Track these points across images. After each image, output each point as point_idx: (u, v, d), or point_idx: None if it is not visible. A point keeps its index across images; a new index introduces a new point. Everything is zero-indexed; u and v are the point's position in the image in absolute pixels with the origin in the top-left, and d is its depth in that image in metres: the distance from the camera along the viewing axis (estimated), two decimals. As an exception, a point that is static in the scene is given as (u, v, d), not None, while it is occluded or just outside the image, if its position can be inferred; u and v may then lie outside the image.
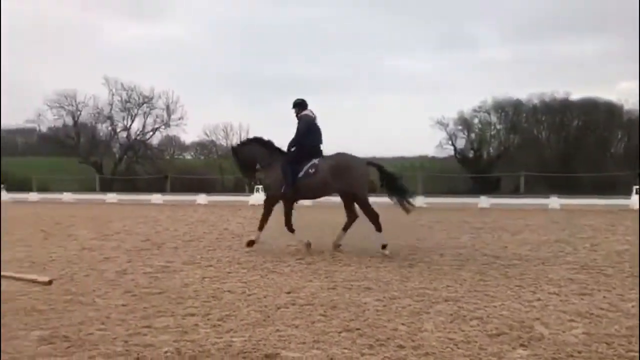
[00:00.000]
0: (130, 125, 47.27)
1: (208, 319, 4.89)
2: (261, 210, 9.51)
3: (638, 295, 5.77)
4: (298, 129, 9.11)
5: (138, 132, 47.26)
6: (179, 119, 46.78)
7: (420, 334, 4.45)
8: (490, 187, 34.06)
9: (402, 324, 4.70)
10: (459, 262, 7.94)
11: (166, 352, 4.02)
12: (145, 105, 46.56)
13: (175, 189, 28.53)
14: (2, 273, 6.92)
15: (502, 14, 68.46)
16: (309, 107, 9.28)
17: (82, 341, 4.30)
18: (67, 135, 46.88)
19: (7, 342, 4.30)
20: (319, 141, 9.25)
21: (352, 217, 9.16)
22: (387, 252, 8.44)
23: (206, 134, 52.62)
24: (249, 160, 9.60)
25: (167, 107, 46.51)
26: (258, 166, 9.60)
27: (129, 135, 47.51)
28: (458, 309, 5.21)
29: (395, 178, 9.23)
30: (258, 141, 9.56)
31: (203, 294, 5.91)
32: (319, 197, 9.87)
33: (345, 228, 9.14)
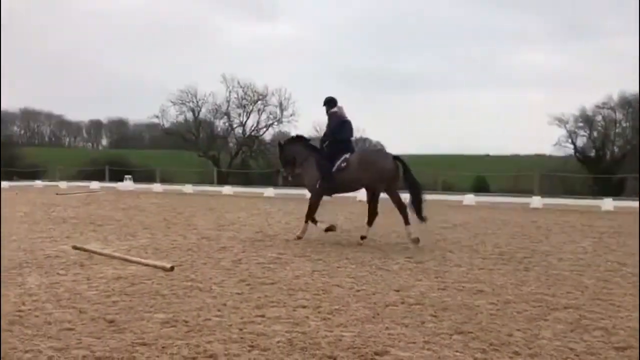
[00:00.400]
0: (246, 121, 49.24)
1: (318, 312, 4.96)
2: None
3: (638, 296, 5.69)
4: (329, 125, 9.69)
5: (252, 128, 49.10)
6: (291, 115, 48.04)
7: (537, 341, 4.23)
8: (612, 189, 31.76)
9: (518, 330, 4.50)
10: (579, 267, 7.47)
11: (278, 342, 4.13)
12: (259, 102, 48.25)
13: (286, 183, 29.31)
14: (130, 258, 7.50)
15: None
16: (340, 106, 9.78)
17: (200, 326, 4.53)
18: (188, 130, 49.62)
19: (134, 322, 4.63)
20: (350, 135, 9.77)
21: (377, 214, 9.56)
22: (414, 240, 8.95)
23: (316, 130, 53.52)
24: (290, 157, 10.13)
25: (280, 104, 47.90)
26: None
27: (244, 131, 49.49)
28: (579, 318, 4.89)
29: (413, 177, 9.55)
30: (299, 140, 10.37)
31: (313, 287, 6.01)
32: (352, 190, 10.30)
33: (371, 221, 9.52)
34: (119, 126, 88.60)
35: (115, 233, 10.35)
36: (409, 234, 9.10)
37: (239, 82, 47.88)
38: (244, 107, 48.70)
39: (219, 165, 44.03)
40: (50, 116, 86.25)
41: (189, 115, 49.59)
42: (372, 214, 9.48)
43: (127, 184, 26.49)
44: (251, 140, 49.05)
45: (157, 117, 50.74)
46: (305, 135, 11.81)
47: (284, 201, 19.00)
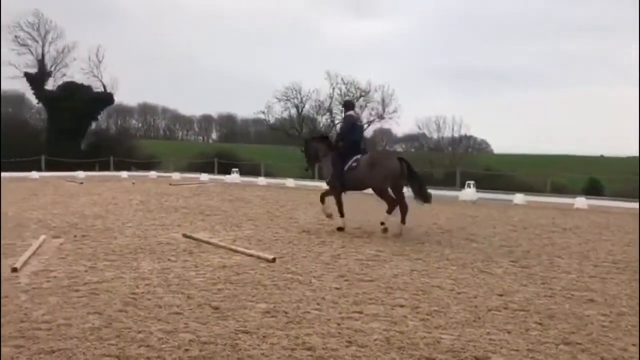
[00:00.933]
0: (347, 117, 49.39)
1: (417, 312, 4.90)
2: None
3: (638, 294, 5.58)
4: (341, 126, 10.48)
5: (354, 124, 49.20)
6: (393, 111, 47.60)
7: (656, 359, 3.91)
8: None
9: (633, 345, 4.18)
10: None
11: (376, 339, 4.13)
12: (362, 98, 48.23)
13: (387, 180, 29.16)
14: (235, 248, 7.79)
15: None
16: (355, 109, 10.52)
17: (299, 318, 4.62)
18: (292, 126, 50.62)
19: (237, 310, 4.81)
20: (360, 137, 10.65)
21: (397, 203, 9.99)
22: (384, 228, 9.77)
23: (418, 127, 52.89)
24: (313, 152, 11.05)
25: (383, 100, 47.63)
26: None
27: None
28: None
29: (416, 174, 10.29)
30: (323, 139, 11.32)
31: (412, 286, 5.93)
32: (362, 188, 10.69)
33: (390, 211, 10.03)
34: (227, 121, 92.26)
35: (221, 223, 10.80)
36: (386, 220, 9.90)
37: (342, 79, 48.19)
38: (346, 103, 49.06)
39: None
40: (166, 111, 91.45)
41: (293, 111, 50.63)
42: (401, 207, 9.97)
43: (234, 177, 27.49)
44: (352, 137, 49.29)
45: (263, 112, 52.20)
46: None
47: (384, 198, 18.95)
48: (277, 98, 50.05)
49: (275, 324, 4.46)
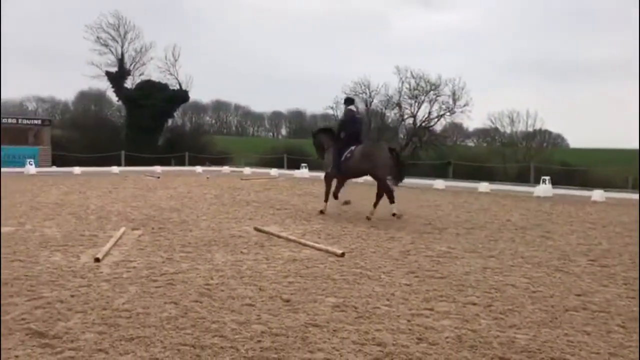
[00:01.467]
0: (417, 112, 48.77)
1: (490, 311, 4.78)
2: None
3: (638, 290, 5.50)
4: (342, 119, 11.76)
5: (424, 119, 48.53)
6: (464, 105, 46.54)
7: None
8: None
9: None
10: None
11: (447, 337, 4.07)
12: (432, 92, 47.47)
13: (457, 176, 28.59)
14: (304, 242, 7.87)
15: None
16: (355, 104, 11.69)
17: (369, 313, 4.62)
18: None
19: (307, 304, 4.87)
20: (358, 129, 11.51)
21: (380, 194, 10.99)
22: (396, 216, 10.62)
23: (491, 121, 51.48)
24: (320, 143, 12.17)
25: (453, 94, 46.66)
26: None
27: (415, 122, 49.10)
28: None
29: (403, 163, 11.53)
30: (327, 131, 12.37)
31: (484, 284, 5.79)
32: (357, 177, 12.09)
33: (376, 202, 11.02)
34: (296, 117, 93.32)
35: (291, 217, 10.95)
36: (393, 212, 10.79)
37: (411, 73, 47.58)
38: (416, 97, 48.28)
39: (389, 155, 44.28)
40: (238, 108, 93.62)
41: (362, 106, 50.57)
42: (379, 195, 11.04)
43: (303, 172, 27.79)
44: (422, 131, 48.54)
45: (331, 108, 52.41)
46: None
47: (455, 194, 18.54)
48: (345, 93, 50.04)
49: (344, 318, 4.48)
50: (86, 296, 4.98)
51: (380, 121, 50.46)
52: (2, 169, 25.07)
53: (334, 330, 4.16)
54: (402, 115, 49.95)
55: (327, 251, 7.28)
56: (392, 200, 10.80)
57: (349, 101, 12.03)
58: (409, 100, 48.91)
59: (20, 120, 31.80)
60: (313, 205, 13.29)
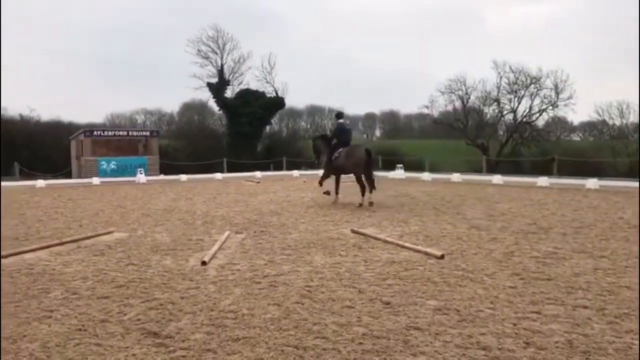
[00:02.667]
0: (517, 107, 46.94)
1: (603, 314, 4.51)
2: None
3: (638, 283, 5.35)
4: (334, 129, 14.80)
5: (524, 114, 46.59)
6: (568, 98, 44.22)
7: None
8: None
9: None
10: None
11: (556, 342, 3.88)
12: (532, 86, 45.50)
13: (562, 172, 27.16)
14: (403, 244, 7.80)
15: None
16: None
17: (472, 317, 4.50)
18: (457, 119, 49.37)
19: (408, 306, 4.83)
20: (347, 138, 14.17)
21: (364, 186, 13.67)
22: (373, 204, 13.26)
23: (598, 113, 48.51)
24: (318, 148, 15.01)
25: (556, 87, 44.47)
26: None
27: (515, 117, 47.27)
28: None
29: (372, 163, 13.88)
30: (324, 137, 15.29)
31: (596, 286, 5.47)
32: (345, 174, 14.30)
33: (363, 194, 13.66)
34: (390, 118, 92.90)
35: (388, 219, 10.89)
36: (369, 197, 13.49)
37: (510, 67, 45.88)
38: (515, 92, 46.48)
39: (487, 153, 42.90)
40: (332, 111, 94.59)
41: (458, 103, 49.41)
42: (363, 188, 13.66)
43: (398, 173, 27.56)
44: (523, 127, 46.63)
45: (426, 107, 51.69)
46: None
47: (560, 191, 17.60)
48: (440, 91, 49.24)
49: (447, 321, 4.40)
50: (195, 298, 5.24)
51: (477, 118, 49.05)
52: (117, 178, 26.93)
53: (436, 334, 4.10)
54: (501, 111, 48.29)
55: (426, 253, 7.18)
56: (370, 189, 13.63)
57: (339, 115, 14.82)
58: (508, 95, 47.22)
59: (130, 133, 33.98)
60: (410, 207, 13.16)
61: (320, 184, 14.55)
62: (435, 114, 51.94)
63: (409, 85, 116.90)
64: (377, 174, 29.65)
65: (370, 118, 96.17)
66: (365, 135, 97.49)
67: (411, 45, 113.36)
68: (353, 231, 9.18)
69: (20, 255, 7.55)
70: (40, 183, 23.90)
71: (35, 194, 19.05)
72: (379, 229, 9.63)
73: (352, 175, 13.97)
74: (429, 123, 61.82)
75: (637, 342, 3.88)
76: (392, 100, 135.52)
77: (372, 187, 13.60)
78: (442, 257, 6.89)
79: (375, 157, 15.91)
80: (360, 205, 13.30)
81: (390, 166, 30.95)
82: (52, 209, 13.81)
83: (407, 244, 7.78)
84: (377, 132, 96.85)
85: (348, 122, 15.50)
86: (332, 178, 14.58)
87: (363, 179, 13.63)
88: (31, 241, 8.74)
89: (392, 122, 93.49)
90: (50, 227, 10.37)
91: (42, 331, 4.33)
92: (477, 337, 4.01)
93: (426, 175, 25.62)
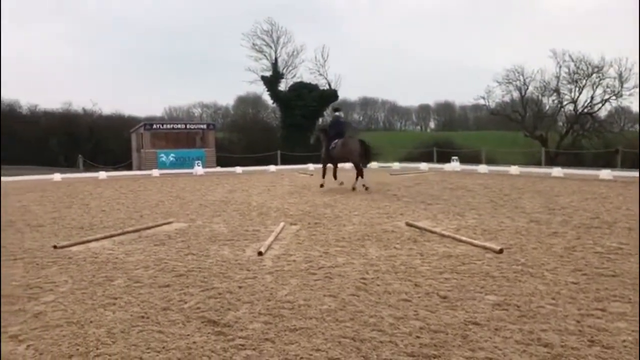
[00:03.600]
0: (578, 97, 45.26)
1: (674, 314, 4.31)
2: None
3: (638, 280, 5.20)
4: (330, 122, 16.58)
5: (586, 104, 44.88)
6: (633, 87, 42.25)
7: None
8: None
9: None
10: None
11: (624, 341, 3.74)
12: (594, 75, 43.74)
13: (626, 165, 26.04)
14: (459, 237, 7.69)
15: None
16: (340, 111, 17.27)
17: (533, 313, 4.39)
18: (514, 110, 48.12)
19: (465, 301, 4.75)
20: (341, 130, 15.83)
21: (357, 173, 15.68)
22: (367, 189, 15.04)
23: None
24: (320, 139, 16.78)
25: (620, 76, 42.57)
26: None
27: (575, 108, 45.61)
28: None
29: (369, 150, 15.55)
30: (323, 129, 16.77)
31: (666, 284, 5.23)
32: (340, 161, 16.28)
33: (354, 184, 15.50)
34: (445, 109, 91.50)
35: (444, 212, 10.74)
36: (363, 184, 15.33)
37: (570, 56, 44.23)
38: (576, 82, 44.78)
39: (546, 145, 41.59)
40: (385, 103, 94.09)
41: (515, 94, 48.07)
42: (358, 175, 15.64)
43: (454, 165, 27.11)
44: (584, 118, 44.93)
45: (482, 98, 50.53)
46: None
47: (624, 185, 16.88)
48: (497, 82, 48.00)
49: (506, 317, 4.31)
50: (252, 288, 5.33)
51: (536, 109, 47.61)
52: (176, 170, 27.62)
53: (495, 329, 4.02)
54: (560, 102, 46.68)
55: (484, 247, 7.04)
56: (361, 176, 15.55)
57: (336, 109, 17.03)
58: (568, 85, 45.55)
59: (188, 126, 34.77)
60: (466, 199, 12.93)
61: (323, 175, 16.33)
62: (492, 105, 50.72)
63: (464, 75, 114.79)
64: (427, 165, 29.42)
65: (424, 109, 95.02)
66: (418, 127, 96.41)
67: (466, 35, 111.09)
68: (408, 224, 9.11)
69: (85, 244, 7.87)
70: (103, 175, 24.81)
71: (98, 185, 19.79)
72: (435, 222, 9.51)
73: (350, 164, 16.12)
74: (485, 114, 60.48)
75: None
76: (447, 91, 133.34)
77: (360, 174, 15.54)
78: (500, 251, 6.75)
79: (376, 149, 19.19)
80: (354, 189, 15.25)
81: (445, 158, 30.49)
82: (114, 199, 14.32)
83: (464, 238, 7.66)
84: (432, 124, 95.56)
85: (343, 115, 17.43)
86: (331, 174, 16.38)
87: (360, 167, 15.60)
88: (95, 230, 9.09)
89: (447, 114, 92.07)
90: (113, 217, 10.75)
91: (107, 317, 4.50)
92: (538, 334, 3.91)
93: (482, 168, 25.09)
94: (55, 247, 7.58)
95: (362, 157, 15.32)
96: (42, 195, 15.69)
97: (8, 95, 53.63)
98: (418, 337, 3.90)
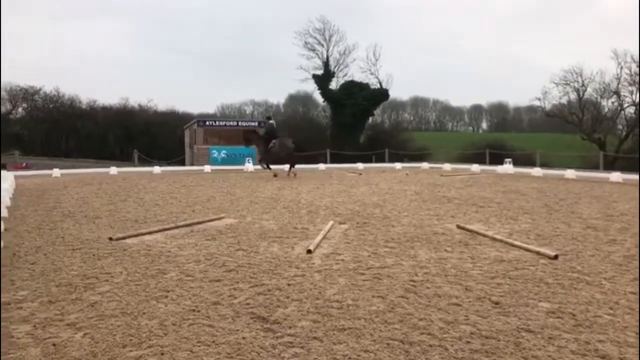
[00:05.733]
0: (639, 99, 43.50)
1: None
2: None
3: (638, 282, 5.09)
4: (265, 127, 21.24)
5: (649, 107, 43.08)
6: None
7: None
8: None
9: None
10: None
11: (688, 356, 3.56)
12: (659, 75, 41.92)
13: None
14: (512, 242, 7.51)
15: None
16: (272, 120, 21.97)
17: (589, 322, 4.24)
18: (571, 112, 46.70)
19: (518, 307, 4.63)
20: (276, 134, 20.69)
21: (290, 168, 21.15)
22: (295, 175, 20.66)
23: None
24: (249, 140, 21.36)
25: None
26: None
27: (637, 111, 43.85)
28: None
29: (295, 149, 20.92)
30: (253, 131, 22.37)
31: None
32: (278, 158, 20.79)
33: (289, 173, 20.92)
34: (498, 110, 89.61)
35: (496, 215, 10.51)
36: (292, 172, 20.85)
37: (632, 57, 42.56)
38: (638, 83, 43.08)
39: (604, 149, 40.13)
40: (436, 103, 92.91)
41: (573, 96, 46.66)
42: (291, 165, 21.14)
43: (507, 167, 26.48)
44: (647, 121, 43.15)
45: (538, 99, 49.30)
46: None
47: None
48: (554, 83, 46.76)
49: (561, 325, 4.18)
50: (301, 285, 5.35)
51: (594, 111, 46.05)
52: (227, 166, 28.07)
53: (549, 338, 3.91)
54: (621, 104, 45.05)
55: (538, 253, 6.85)
56: (293, 166, 21.07)
57: (268, 117, 22.51)
58: (630, 87, 43.88)
59: (240, 123, 35.28)
60: (519, 203, 12.62)
61: (269, 168, 21.21)
62: (548, 106, 49.41)
63: (518, 76, 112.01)
64: (479, 167, 28.93)
65: (476, 110, 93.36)
66: (470, 128, 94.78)
67: (521, 34, 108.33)
68: (459, 227, 8.96)
69: (139, 236, 8.09)
70: (157, 169, 25.44)
71: (153, 179, 20.31)
72: (486, 225, 9.32)
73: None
74: (540, 116, 59.01)
75: None
76: (500, 91, 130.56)
77: (293, 164, 21.16)
78: (555, 257, 6.55)
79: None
80: (288, 175, 20.66)
81: (498, 160, 29.85)
82: (167, 194, 14.66)
83: (517, 242, 7.47)
84: (484, 125, 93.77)
85: (274, 122, 21.71)
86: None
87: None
88: (149, 224, 9.33)
89: (500, 115, 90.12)
90: (166, 211, 11.01)
91: (159, 309, 4.61)
92: (594, 344, 3.77)
93: (537, 171, 24.41)
94: (111, 239, 7.82)
95: (293, 151, 20.78)
96: (99, 188, 16.23)
97: (68, 91, 55.74)
98: (469, 342, 3.82)
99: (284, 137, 21.39)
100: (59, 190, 15.61)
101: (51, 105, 45.30)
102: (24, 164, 28.00)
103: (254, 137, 21.27)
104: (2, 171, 17.49)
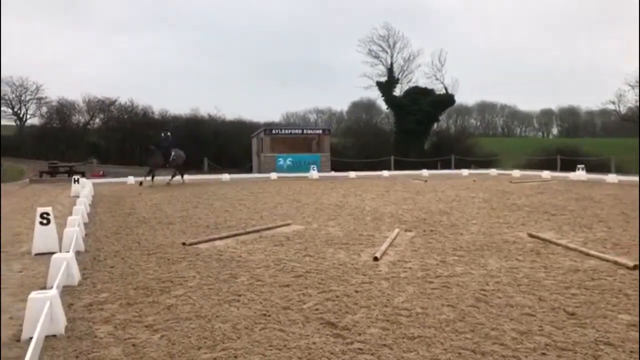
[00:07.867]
0: None
1: None
2: None
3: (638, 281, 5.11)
4: (160, 140, 22.43)
5: None
6: None
7: None
8: None
9: None
10: None
11: None
12: None
13: None
14: (588, 251, 7.24)
15: None
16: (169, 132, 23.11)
17: (674, 337, 4.04)
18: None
19: (596, 319, 4.47)
20: (167, 145, 21.93)
21: (177, 174, 23.12)
22: (182, 180, 23.26)
23: None
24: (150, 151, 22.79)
25: None
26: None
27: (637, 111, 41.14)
28: None
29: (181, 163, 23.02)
30: (155, 144, 22.47)
31: None
32: (174, 166, 22.80)
33: (172, 177, 23.05)
34: (569, 114, 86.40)
35: (569, 224, 10.15)
36: (177, 179, 23.05)
37: None
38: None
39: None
40: (504, 108, 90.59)
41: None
42: (180, 173, 23.22)
43: (579, 174, 25.48)
44: None
45: (612, 102, 47.29)
46: None
47: None
48: (630, 85, 44.66)
49: (643, 339, 4.00)
50: (368, 292, 5.37)
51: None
52: (292, 174, 28.42)
53: (631, 352, 3.75)
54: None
55: (615, 262, 6.57)
56: (182, 174, 23.26)
57: (166, 130, 23.41)
58: None
59: (305, 131, 35.63)
60: (594, 211, 12.12)
61: (150, 176, 22.21)
62: (623, 109, 47.23)
63: (590, 79, 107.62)
64: (550, 174, 27.96)
65: (546, 114, 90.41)
66: (540, 133, 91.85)
67: (594, 34, 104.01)
68: (530, 235, 8.71)
69: (211, 242, 8.34)
70: (226, 177, 26.09)
71: (222, 187, 20.84)
72: (559, 234, 9.01)
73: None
74: (615, 120, 56.53)
75: None
76: (572, 95, 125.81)
77: (182, 173, 23.28)
78: (635, 267, 6.26)
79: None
80: (174, 178, 22.90)
81: (570, 167, 28.77)
82: (236, 200, 15.02)
83: (592, 252, 7.19)
84: (554, 130, 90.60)
85: (170, 134, 22.87)
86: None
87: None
88: (220, 229, 9.60)
89: (572, 119, 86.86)
90: (236, 217, 11.29)
91: (232, 313, 4.74)
92: (680, 361, 3.59)
93: (612, 177, 23.36)
94: (184, 244, 8.11)
95: (183, 162, 22.95)
96: (171, 195, 16.83)
97: (142, 102, 58.11)
98: (544, 354, 3.72)
99: (178, 149, 22.59)
100: (134, 197, 16.30)
101: (125, 116, 47.30)
102: (101, 172, 29.45)
103: (153, 148, 22.18)
104: (81, 179, 18.42)
